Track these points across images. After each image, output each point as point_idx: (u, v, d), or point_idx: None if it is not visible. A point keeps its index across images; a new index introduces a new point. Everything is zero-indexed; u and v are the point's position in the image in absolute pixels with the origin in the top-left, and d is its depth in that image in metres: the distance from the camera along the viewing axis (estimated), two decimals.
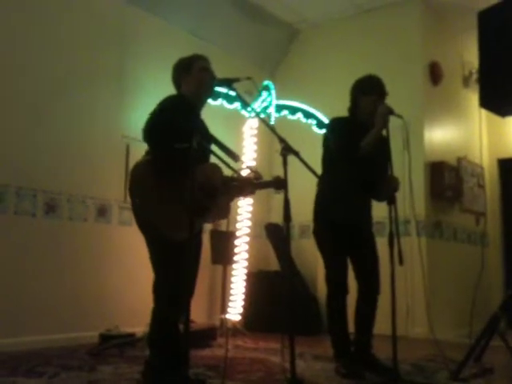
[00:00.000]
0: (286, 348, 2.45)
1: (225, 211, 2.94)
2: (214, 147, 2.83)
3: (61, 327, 4.23)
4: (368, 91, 3.36)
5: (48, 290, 4.21)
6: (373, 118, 3.26)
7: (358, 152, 3.20)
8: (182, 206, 2.51)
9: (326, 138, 3.52)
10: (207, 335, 4.41)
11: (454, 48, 6.36)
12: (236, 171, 2.87)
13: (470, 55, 6.02)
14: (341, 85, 3.98)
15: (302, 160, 2.61)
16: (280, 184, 2.92)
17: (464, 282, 5.81)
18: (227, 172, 2.89)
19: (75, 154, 4.52)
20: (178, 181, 2.57)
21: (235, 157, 2.79)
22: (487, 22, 3.52)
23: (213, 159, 2.86)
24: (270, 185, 3.03)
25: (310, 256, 5.64)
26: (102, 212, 4.71)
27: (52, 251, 4.29)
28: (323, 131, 5.50)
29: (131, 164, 4.52)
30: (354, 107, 3.46)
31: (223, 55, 5.74)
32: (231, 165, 2.77)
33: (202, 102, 2.95)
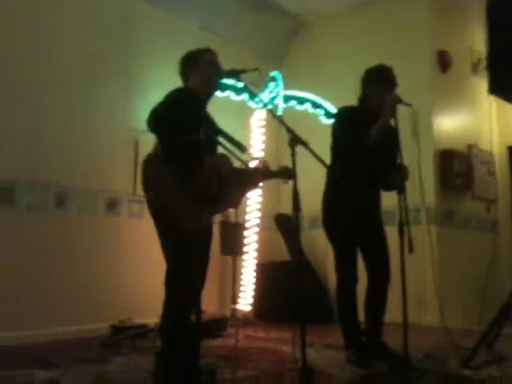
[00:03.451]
0: (296, 337, 2.47)
1: (235, 201, 2.97)
2: (221, 139, 2.85)
3: (74, 319, 4.26)
4: (377, 81, 3.35)
5: (60, 283, 4.24)
6: (381, 107, 3.25)
7: (365, 140, 3.19)
8: (196, 197, 2.53)
9: (334, 128, 3.52)
10: (218, 325, 4.44)
11: (463, 36, 6.29)
12: (244, 162, 2.88)
13: (479, 43, 5.97)
14: (348, 75, 3.97)
15: (310, 150, 2.62)
16: (288, 174, 2.94)
17: (475, 270, 5.81)
18: (235, 163, 2.90)
19: (84, 147, 4.54)
20: (190, 171, 2.59)
21: (242, 148, 2.80)
22: (496, 10, 3.51)
23: (220, 151, 2.87)
24: (278, 175, 3.05)
25: (320, 246, 5.63)
26: (112, 205, 4.73)
27: (63, 245, 4.32)
28: (331, 121, 5.51)
29: (140, 157, 4.62)
30: (363, 97, 3.45)
31: (230, 47, 5.71)
32: (238, 156, 2.78)
33: (208, 96, 2.96)
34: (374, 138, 3.18)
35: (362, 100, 3.46)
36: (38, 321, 4.05)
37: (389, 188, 3.41)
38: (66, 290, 4.27)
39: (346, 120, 3.43)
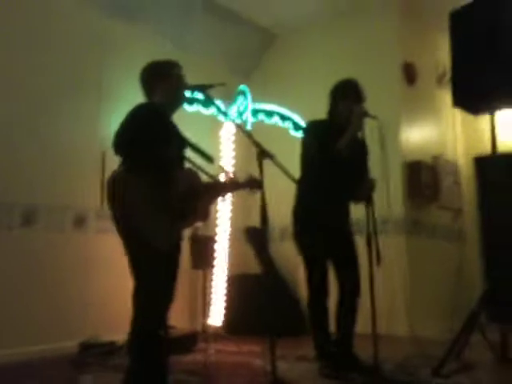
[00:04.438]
0: (267, 350, 2.46)
1: (204, 214, 2.95)
2: (188, 151, 2.84)
3: (40, 338, 4.17)
4: (344, 96, 3.40)
5: (26, 301, 4.15)
6: (349, 121, 3.29)
7: (333, 153, 3.22)
8: (167, 212, 2.51)
9: (303, 141, 3.55)
10: (189, 341, 4.39)
11: (429, 48, 6.43)
12: (212, 176, 2.88)
13: (444, 55, 6.08)
14: (318, 87, 4.01)
15: (277, 164, 2.63)
16: (255, 184, 2.95)
17: (444, 279, 5.88)
18: (203, 177, 2.90)
19: (50, 163, 4.47)
20: (161, 187, 2.57)
21: (209, 158, 2.79)
22: (458, 22, 3.58)
23: (188, 165, 2.86)
24: (245, 185, 3.06)
25: (291, 258, 5.62)
26: (80, 221, 4.66)
27: (30, 263, 4.23)
28: (300, 134, 5.56)
29: (107, 171, 4.56)
30: (331, 111, 3.49)
31: (198, 61, 5.70)
32: (206, 169, 2.78)
33: (174, 109, 2.94)
34: (341, 150, 3.22)
35: (330, 113, 3.50)
36: (6, 340, 3.95)
37: (356, 200, 3.45)
38: (35, 308, 4.18)
39: (313, 133, 3.47)
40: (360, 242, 3.36)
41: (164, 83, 2.88)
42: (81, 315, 4.43)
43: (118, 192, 2.58)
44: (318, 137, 3.42)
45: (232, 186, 3.10)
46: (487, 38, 3.38)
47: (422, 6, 5.91)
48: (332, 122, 3.47)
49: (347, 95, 3.40)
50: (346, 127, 3.29)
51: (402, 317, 4.85)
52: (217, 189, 3.05)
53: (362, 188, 3.27)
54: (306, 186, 3.36)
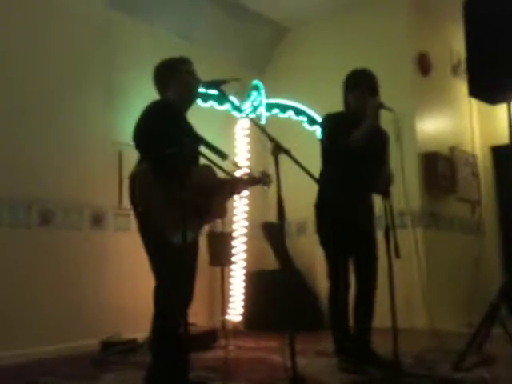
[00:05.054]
0: (286, 346, 2.46)
1: (222, 211, 2.97)
2: (202, 149, 2.84)
3: (62, 337, 4.21)
4: (355, 86, 3.38)
5: (47, 300, 4.19)
6: (363, 112, 3.27)
7: (347, 145, 3.21)
8: (183, 209, 2.53)
9: (320, 135, 3.55)
10: (208, 337, 4.41)
11: (442, 38, 6.36)
12: (228, 172, 2.89)
13: (458, 44, 6.02)
14: (331, 81, 3.99)
15: (292, 158, 2.62)
16: (267, 179, 2.97)
17: (462, 272, 5.84)
18: (219, 173, 2.91)
19: (67, 162, 4.49)
20: (177, 184, 2.59)
21: (223, 155, 2.80)
22: (472, 11, 3.52)
23: (202, 161, 2.87)
24: (258, 181, 3.07)
25: (308, 252, 5.64)
26: (98, 219, 4.69)
27: (49, 262, 4.27)
28: (314, 127, 5.54)
29: (124, 169, 4.60)
30: (345, 103, 3.48)
31: (211, 56, 5.73)
32: (220, 164, 2.79)
33: (188, 106, 2.95)
34: (356, 141, 3.20)
35: (345, 105, 3.49)
36: (25, 339, 3.99)
37: (377, 191, 3.41)
38: (54, 307, 4.22)
39: (329, 126, 3.46)
40: (378, 236, 3.35)
41: (177, 80, 2.89)
42: (101, 313, 4.46)
43: (135, 189, 2.61)
44: (330, 129, 3.41)
45: (246, 181, 3.12)
46: (502, 26, 3.33)
47: None
48: (347, 114, 3.45)
49: (358, 85, 3.38)
50: (361, 118, 3.28)
51: (421, 310, 4.82)
52: (233, 185, 3.06)
53: (381, 179, 3.25)
54: (323, 180, 3.35)
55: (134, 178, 2.63)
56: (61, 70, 4.58)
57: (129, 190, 2.64)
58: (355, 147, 3.21)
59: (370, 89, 3.36)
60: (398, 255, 2.92)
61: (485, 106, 6.34)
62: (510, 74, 3.28)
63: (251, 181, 3.15)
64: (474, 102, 6.29)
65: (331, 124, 3.45)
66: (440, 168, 5.75)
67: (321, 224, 3.45)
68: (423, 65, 5.92)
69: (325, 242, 3.42)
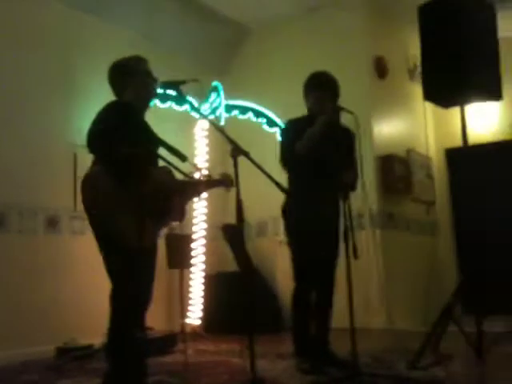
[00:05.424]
0: (246, 348, 2.45)
1: (181, 213, 2.94)
2: (161, 150, 2.81)
3: (17, 343, 4.09)
4: (315, 87, 3.40)
5: (0, 306, 4.07)
6: (323, 113, 3.30)
7: (297, 153, 3.23)
8: (140, 211, 2.49)
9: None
10: (167, 341, 4.36)
11: (399, 42, 6.49)
12: (186, 174, 2.86)
13: (414, 49, 6.14)
14: (291, 83, 4.01)
15: (251, 160, 2.61)
16: (227, 181, 2.96)
17: (419, 272, 5.96)
18: (177, 175, 2.87)
19: (20, 163, 4.38)
20: (134, 187, 2.54)
21: (182, 157, 2.76)
22: (427, 16, 3.60)
23: (161, 163, 2.83)
24: (218, 182, 3.06)
25: (268, 254, 5.66)
26: (53, 223, 4.58)
27: (2, 266, 4.14)
28: (274, 129, 5.56)
29: (79, 171, 4.49)
30: (307, 106, 3.50)
31: (171, 56, 5.68)
32: (179, 166, 2.76)
33: (145, 107, 2.91)
34: (303, 147, 3.22)
35: (308, 108, 3.51)
36: None
37: (344, 190, 3.42)
38: (8, 312, 4.10)
39: (285, 134, 3.49)
40: None
41: (132, 80, 2.83)
42: (57, 318, 4.36)
43: (89, 192, 2.55)
44: (285, 138, 3.44)
45: (206, 183, 3.10)
46: (456, 31, 3.41)
47: (389, 0, 5.94)
48: (308, 117, 3.47)
49: (318, 86, 3.41)
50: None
51: (378, 310, 4.90)
52: (192, 187, 3.03)
53: (348, 178, 3.25)
54: (288, 185, 3.38)
55: (88, 180, 2.56)
56: (17, 69, 4.46)
57: (82, 193, 2.57)
58: (307, 152, 3.23)
59: (330, 90, 3.39)
60: (356, 256, 2.95)
61: (439, 110, 6.48)
62: (463, 79, 3.36)
63: (212, 183, 3.12)
64: (429, 105, 6.43)
65: (286, 132, 3.49)
66: (396, 170, 5.86)
67: (287, 226, 3.46)
68: (380, 68, 6.02)
69: (291, 243, 3.43)
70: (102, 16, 5.20)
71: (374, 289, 5.02)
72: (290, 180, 3.45)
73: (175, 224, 3.03)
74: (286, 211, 3.47)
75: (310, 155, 3.25)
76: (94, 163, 2.64)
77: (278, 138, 3.65)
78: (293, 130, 3.42)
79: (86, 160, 2.77)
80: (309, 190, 3.34)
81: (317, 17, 6.12)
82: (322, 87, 3.38)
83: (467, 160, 4.29)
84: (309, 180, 3.35)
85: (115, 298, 2.65)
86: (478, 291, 3.42)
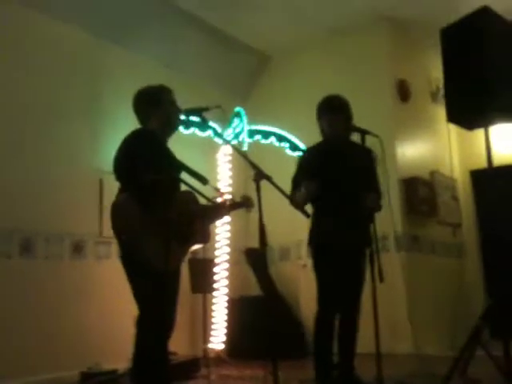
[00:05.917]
0: (269, 374, 2.42)
1: (205, 236, 2.96)
2: (183, 175, 2.85)
3: (42, 368, 4.13)
4: (327, 110, 3.43)
5: (27, 330, 4.12)
6: (337, 135, 3.33)
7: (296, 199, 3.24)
8: (163, 237, 2.52)
9: None
10: (190, 367, 4.34)
11: (421, 65, 6.49)
12: (209, 198, 2.89)
13: (437, 71, 6.13)
14: (312, 107, 4.02)
15: (274, 184, 2.63)
16: (248, 203, 2.98)
17: (445, 295, 5.85)
18: (200, 199, 2.91)
19: (47, 190, 4.46)
20: (159, 212, 2.58)
21: (203, 180, 2.80)
22: (450, 39, 3.60)
23: (184, 188, 2.87)
24: (239, 205, 3.08)
25: (291, 278, 5.63)
26: (79, 248, 4.63)
27: (29, 291, 4.19)
28: (297, 153, 5.58)
29: (105, 197, 4.57)
30: (320, 129, 3.53)
31: (194, 83, 5.77)
32: (202, 191, 2.80)
33: (169, 135, 2.96)
34: (298, 199, 3.24)
35: (321, 131, 3.53)
36: (5, 371, 3.88)
37: (368, 213, 3.40)
38: (34, 337, 4.15)
39: (300, 161, 3.52)
40: None
41: (156, 110, 2.90)
42: (82, 343, 4.38)
43: (118, 219, 2.59)
44: (302, 164, 3.46)
45: (228, 206, 3.13)
46: (479, 52, 3.40)
47: (412, 23, 5.98)
48: (323, 142, 3.49)
49: (325, 110, 3.44)
50: (334, 143, 3.35)
51: (405, 334, 4.81)
52: (214, 210, 3.06)
53: (370, 200, 3.23)
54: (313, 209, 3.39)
55: (116, 207, 2.62)
56: (42, 97, 4.57)
57: (111, 219, 2.62)
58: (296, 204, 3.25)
59: (343, 113, 3.41)
60: (381, 279, 2.92)
61: (463, 131, 6.44)
62: (486, 100, 3.34)
63: (233, 205, 3.15)
64: (453, 127, 6.38)
65: (305, 159, 3.51)
66: (420, 192, 5.81)
67: (312, 251, 3.45)
68: (402, 91, 6.02)
69: (315, 267, 3.42)
70: (126, 44, 5.32)
71: (399, 313, 4.94)
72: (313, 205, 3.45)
73: (199, 248, 3.05)
74: (309, 235, 3.46)
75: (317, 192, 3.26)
76: (121, 190, 2.69)
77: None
78: (307, 160, 3.45)
79: (112, 186, 2.83)
80: (331, 215, 3.33)
81: (336, 42, 6.18)
82: (334, 111, 3.40)
83: (492, 181, 4.24)
84: (327, 206, 3.34)
85: (142, 322, 2.67)
86: (506, 315, 3.34)
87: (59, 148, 4.63)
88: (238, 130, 5.40)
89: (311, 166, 3.34)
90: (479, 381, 3.37)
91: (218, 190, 3.33)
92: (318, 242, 3.35)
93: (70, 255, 4.58)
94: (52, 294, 4.33)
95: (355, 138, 3.33)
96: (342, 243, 3.30)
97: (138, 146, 2.68)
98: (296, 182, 3.37)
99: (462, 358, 3.26)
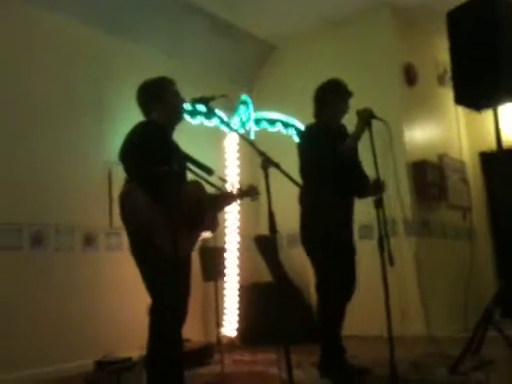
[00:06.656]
0: (282, 358, 2.45)
1: (213, 224, 2.99)
2: (189, 166, 2.87)
3: (57, 357, 4.18)
4: (331, 96, 3.43)
5: (39, 321, 4.16)
6: (341, 118, 3.33)
7: (339, 158, 3.23)
8: (177, 224, 2.54)
9: (301, 148, 3.55)
10: (204, 353, 4.39)
11: (427, 48, 6.44)
12: (217, 187, 2.91)
13: (443, 54, 6.08)
14: None
15: (282, 171, 2.63)
16: (253, 191, 3.00)
17: (456, 278, 5.83)
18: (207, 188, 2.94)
19: (56, 183, 4.49)
20: (166, 201, 2.60)
21: (209, 171, 2.82)
22: (456, 21, 3.59)
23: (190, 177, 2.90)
24: (246, 194, 3.10)
25: (300, 264, 5.64)
26: (89, 240, 4.67)
27: (41, 283, 4.24)
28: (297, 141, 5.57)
29: (114, 188, 4.59)
30: (319, 113, 3.51)
31: (198, 73, 5.77)
32: (209, 180, 2.82)
33: (173, 126, 2.98)
34: (345, 154, 3.23)
35: (319, 115, 3.51)
36: (21, 362, 3.96)
37: (363, 196, 3.45)
38: (46, 328, 4.19)
39: (314, 139, 3.48)
40: (370, 246, 3.36)
41: (162, 102, 2.91)
42: (95, 333, 4.43)
43: (127, 209, 2.62)
44: (317, 142, 3.42)
45: (234, 195, 3.16)
46: (485, 34, 3.38)
47: (417, 7, 5.92)
48: (324, 124, 3.48)
49: (333, 93, 3.43)
50: (335, 126, 3.33)
51: (416, 317, 4.83)
52: (221, 199, 3.08)
53: (371, 188, 3.26)
54: (309, 198, 3.37)
55: (124, 196, 2.64)
56: (49, 91, 4.58)
57: (119, 208, 2.64)
58: (344, 159, 3.25)
59: (345, 95, 3.41)
60: (391, 263, 2.93)
61: (471, 113, 6.40)
62: (494, 81, 3.33)
63: (239, 194, 3.18)
64: (461, 109, 6.35)
65: (319, 137, 3.45)
66: (429, 176, 5.79)
67: (308, 237, 3.45)
68: (409, 75, 5.99)
69: (312, 254, 3.43)
70: (130, 37, 5.30)
71: (411, 296, 4.95)
72: (309, 191, 3.39)
73: (208, 236, 3.08)
74: (303, 220, 3.46)
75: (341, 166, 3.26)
76: (127, 181, 2.71)
77: (301, 143, 3.62)
78: (321, 137, 3.42)
79: (120, 177, 2.85)
80: (329, 205, 3.34)
81: (341, 29, 6.14)
82: (349, 95, 3.41)
83: (502, 163, 4.22)
84: (331, 193, 3.35)
85: (155, 310, 2.70)
86: None
87: (68, 140, 4.65)
88: (244, 119, 5.40)
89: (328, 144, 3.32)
90: (492, 360, 3.38)
91: (223, 179, 3.35)
92: (327, 232, 3.35)
93: (81, 247, 4.61)
94: (65, 285, 4.37)
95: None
96: (345, 234, 3.36)
97: (145, 137, 2.70)
98: (323, 148, 3.32)
99: (474, 339, 3.27)
